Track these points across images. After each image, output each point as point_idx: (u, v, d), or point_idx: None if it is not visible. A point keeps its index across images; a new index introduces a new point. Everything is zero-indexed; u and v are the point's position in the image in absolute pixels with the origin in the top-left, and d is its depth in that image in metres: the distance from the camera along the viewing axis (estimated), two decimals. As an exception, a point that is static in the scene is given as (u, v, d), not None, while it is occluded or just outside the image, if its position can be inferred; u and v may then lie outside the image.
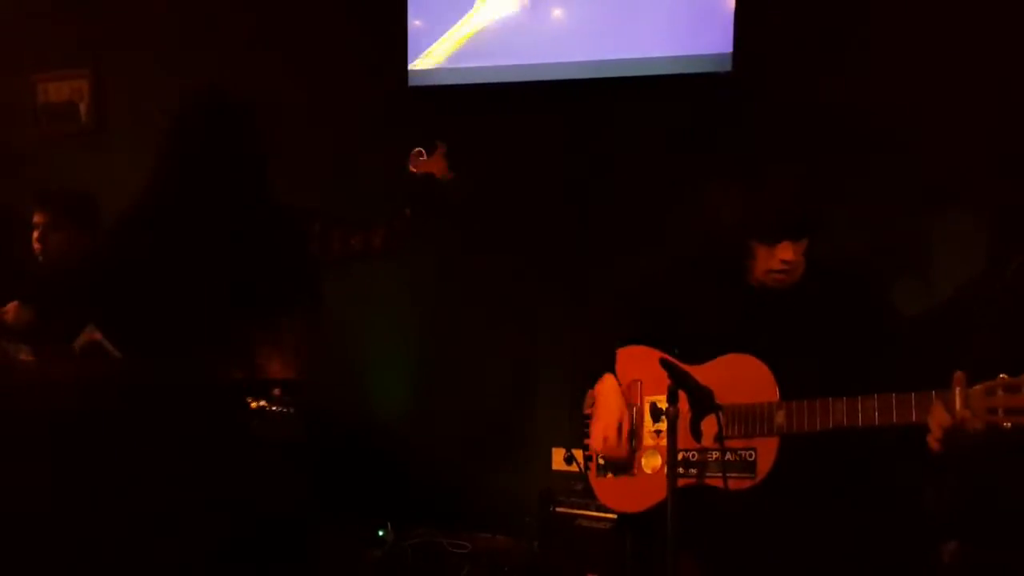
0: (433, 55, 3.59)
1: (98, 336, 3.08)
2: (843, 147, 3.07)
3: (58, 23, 4.24)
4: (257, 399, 2.47)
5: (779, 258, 2.03)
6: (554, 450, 3.45)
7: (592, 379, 2.29)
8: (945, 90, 2.96)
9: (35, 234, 3.34)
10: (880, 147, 3.04)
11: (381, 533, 3.46)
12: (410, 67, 3.60)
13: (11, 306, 3.29)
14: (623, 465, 2.20)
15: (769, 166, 2.08)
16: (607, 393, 2.23)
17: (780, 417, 1.97)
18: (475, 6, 3.52)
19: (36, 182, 3.81)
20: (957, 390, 1.79)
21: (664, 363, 1.89)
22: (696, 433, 2.05)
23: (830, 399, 1.91)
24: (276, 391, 2.47)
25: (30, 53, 4.30)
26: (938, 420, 1.79)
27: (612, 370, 2.26)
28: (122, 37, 4.17)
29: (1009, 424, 1.71)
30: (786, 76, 3.16)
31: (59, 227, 3.34)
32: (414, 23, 3.60)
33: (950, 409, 1.78)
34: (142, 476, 2.87)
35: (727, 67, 3.19)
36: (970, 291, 2.67)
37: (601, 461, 2.26)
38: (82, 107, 4.27)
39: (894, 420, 1.84)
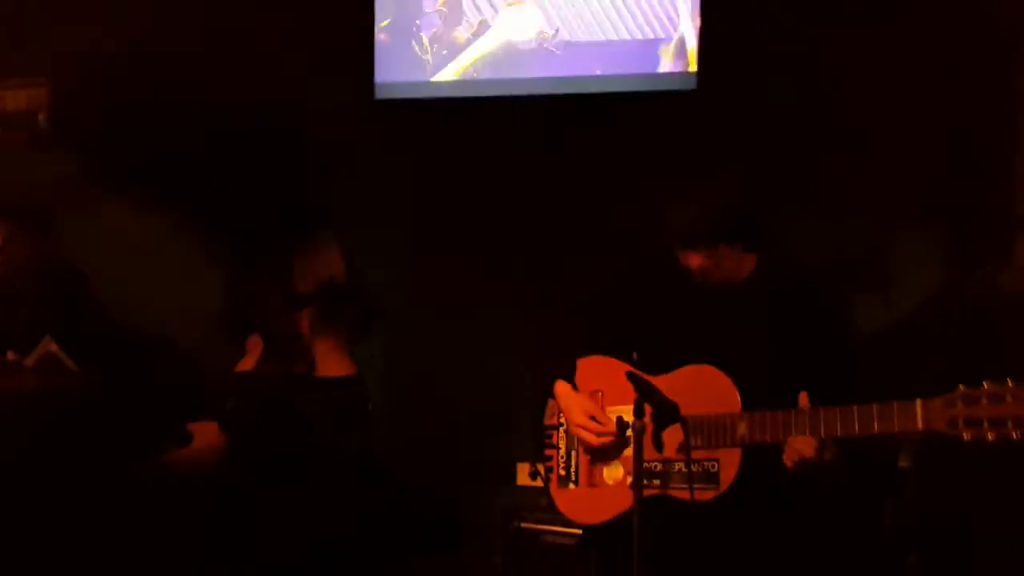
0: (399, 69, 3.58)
1: (54, 347, 3.02)
2: (804, 160, 3.12)
3: (16, 31, 4.16)
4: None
5: (689, 264, 2.07)
6: (519, 465, 3.43)
7: (550, 389, 2.29)
8: (907, 105, 3.01)
9: (-10, 245, 3.27)
10: (842, 162, 3.09)
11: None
12: (376, 80, 3.60)
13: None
14: (612, 450, 2.18)
15: (701, 178, 2.10)
16: (563, 396, 2.23)
17: (743, 428, 1.98)
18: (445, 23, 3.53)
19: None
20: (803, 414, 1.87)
21: (630, 376, 1.89)
22: (658, 444, 2.05)
23: (792, 411, 1.92)
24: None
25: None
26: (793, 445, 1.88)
27: (570, 379, 2.25)
28: (81, 46, 4.10)
29: (968, 436, 1.71)
30: (749, 94, 3.20)
31: (15, 239, 3.27)
32: (380, 37, 3.59)
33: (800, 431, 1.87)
34: (99, 494, 2.81)
35: (691, 85, 3.23)
36: (929, 308, 2.71)
37: (563, 472, 2.26)
38: (41, 116, 4.20)
39: (856, 432, 1.84)
